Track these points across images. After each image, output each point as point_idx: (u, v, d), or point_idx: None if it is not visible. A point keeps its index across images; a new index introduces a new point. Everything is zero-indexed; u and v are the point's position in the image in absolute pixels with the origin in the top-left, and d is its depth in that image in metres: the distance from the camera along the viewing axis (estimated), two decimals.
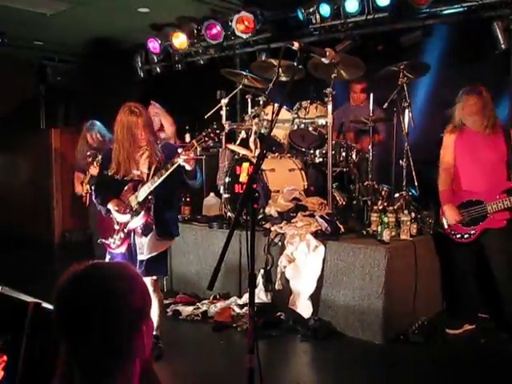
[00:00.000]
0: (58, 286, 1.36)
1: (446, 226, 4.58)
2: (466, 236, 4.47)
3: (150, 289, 4.06)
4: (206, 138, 3.66)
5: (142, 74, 8.99)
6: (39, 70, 9.71)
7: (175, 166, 3.73)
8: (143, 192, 3.87)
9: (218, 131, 3.66)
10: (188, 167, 3.77)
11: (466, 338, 4.59)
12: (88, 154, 5.81)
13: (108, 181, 3.99)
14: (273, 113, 2.49)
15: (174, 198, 4.12)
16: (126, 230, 3.98)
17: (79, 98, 9.66)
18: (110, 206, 3.95)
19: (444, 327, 4.65)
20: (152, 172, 3.86)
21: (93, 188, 4.10)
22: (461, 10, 5.81)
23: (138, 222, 3.94)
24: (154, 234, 3.96)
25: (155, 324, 4.16)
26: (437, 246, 5.07)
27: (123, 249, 4.02)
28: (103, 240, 4.11)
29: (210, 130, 3.65)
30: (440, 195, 4.61)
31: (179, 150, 3.72)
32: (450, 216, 4.49)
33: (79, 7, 6.84)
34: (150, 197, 3.89)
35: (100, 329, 1.31)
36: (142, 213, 3.90)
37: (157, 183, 3.81)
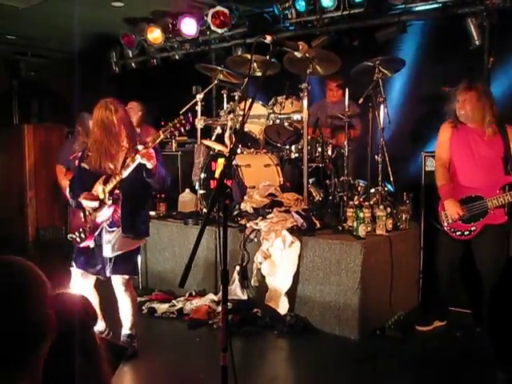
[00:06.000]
0: None
1: (445, 224, 4.43)
2: (466, 233, 4.35)
3: (122, 288, 4.03)
4: (173, 129, 3.65)
5: (116, 69, 8.90)
6: (12, 65, 9.54)
7: (136, 162, 3.71)
8: (110, 184, 3.86)
9: (183, 121, 3.64)
10: (149, 165, 3.71)
11: (442, 332, 4.61)
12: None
13: (83, 175, 3.98)
14: (245, 107, 2.46)
15: (142, 196, 4.06)
16: (91, 225, 3.95)
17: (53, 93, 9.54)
18: (80, 198, 3.94)
19: (414, 324, 4.67)
20: (125, 167, 3.83)
21: (68, 182, 4.06)
22: (436, 6, 5.84)
23: (104, 215, 3.91)
24: (120, 230, 3.92)
25: (129, 323, 4.13)
26: (425, 240, 5.09)
27: (90, 243, 3.99)
28: (71, 235, 4.08)
29: (176, 120, 3.65)
30: (439, 190, 4.47)
31: (139, 147, 3.69)
32: (451, 211, 4.32)
33: (52, 1, 6.70)
34: (117, 191, 3.86)
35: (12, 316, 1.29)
36: (107, 206, 3.87)
37: (121, 177, 3.80)
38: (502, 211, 4.25)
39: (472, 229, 4.32)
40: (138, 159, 3.68)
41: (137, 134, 4.02)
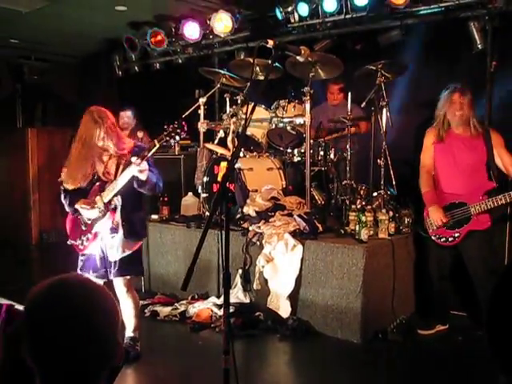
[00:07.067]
0: (31, 306, 1.31)
1: (430, 230, 4.46)
2: (450, 239, 4.38)
3: (124, 289, 4.04)
4: (168, 138, 3.66)
5: (119, 73, 8.93)
6: (15, 69, 9.58)
7: (131, 174, 3.72)
8: (108, 193, 3.86)
9: (178, 129, 3.65)
10: (142, 177, 3.74)
11: (443, 336, 4.61)
12: None
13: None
14: (247, 111, 2.48)
15: (137, 200, 4.07)
16: (93, 231, 3.96)
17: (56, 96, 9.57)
18: (77, 205, 3.94)
19: (416, 328, 4.66)
20: (119, 173, 3.85)
21: (61, 188, 4.04)
22: (438, 10, 5.83)
23: (104, 223, 3.93)
24: (122, 234, 3.93)
25: (132, 325, 4.14)
26: (415, 247, 5.06)
27: (94, 250, 4.00)
28: (72, 241, 4.09)
29: (170, 128, 3.65)
30: (423, 197, 4.51)
31: (132, 159, 3.68)
32: (435, 218, 4.36)
33: (55, 5, 6.73)
34: (115, 198, 3.87)
35: (80, 353, 1.28)
36: (109, 214, 3.89)
37: (118, 188, 3.81)
38: (487, 217, 4.26)
39: (456, 235, 4.35)
40: (134, 172, 3.69)
41: (122, 142, 3.99)
